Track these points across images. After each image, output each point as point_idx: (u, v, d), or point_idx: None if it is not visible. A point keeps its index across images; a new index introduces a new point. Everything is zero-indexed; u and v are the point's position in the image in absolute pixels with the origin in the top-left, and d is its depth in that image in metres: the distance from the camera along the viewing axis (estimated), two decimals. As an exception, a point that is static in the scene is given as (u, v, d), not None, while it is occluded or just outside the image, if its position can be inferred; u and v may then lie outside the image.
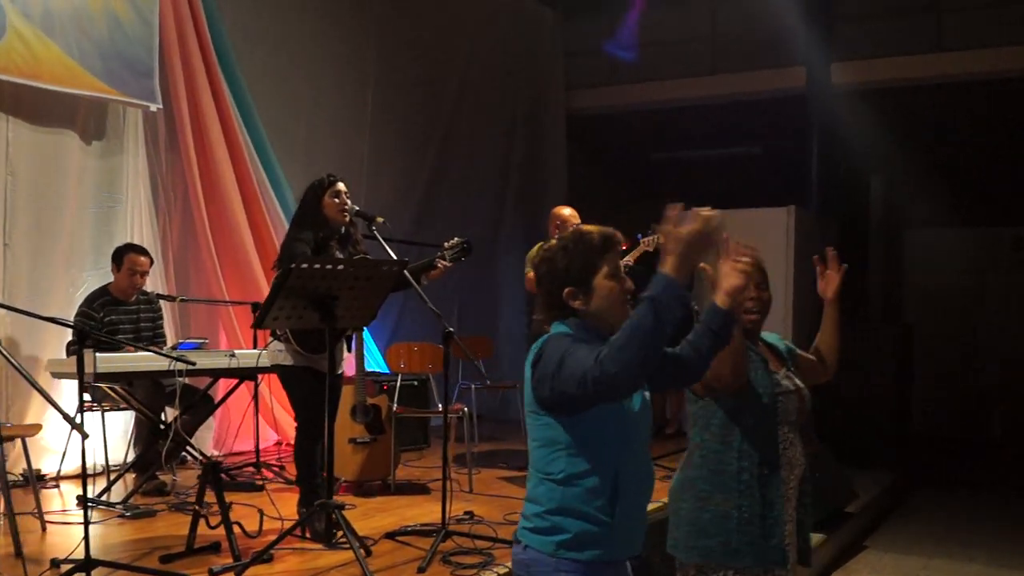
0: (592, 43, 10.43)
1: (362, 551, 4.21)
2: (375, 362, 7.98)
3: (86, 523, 3.70)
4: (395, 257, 4.47)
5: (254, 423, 6.26)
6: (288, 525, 4.38)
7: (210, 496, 5.00)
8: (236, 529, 4.21)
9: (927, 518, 7.85)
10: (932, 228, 11.64)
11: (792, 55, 9.49)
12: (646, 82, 10.44)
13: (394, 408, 5.92)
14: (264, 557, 4.03)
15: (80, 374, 3.78)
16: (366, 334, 8.16)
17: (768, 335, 3.12)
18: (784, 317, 8.52)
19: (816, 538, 5.91)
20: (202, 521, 4.26)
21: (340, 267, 3.90)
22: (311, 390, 4.42)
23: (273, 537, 4.19)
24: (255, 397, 6.19)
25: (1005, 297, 11.44)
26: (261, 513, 4.49)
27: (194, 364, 4.14)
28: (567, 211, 6.60)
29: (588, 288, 2.36)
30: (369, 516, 5.16)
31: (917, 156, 9.97)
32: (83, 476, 3.82)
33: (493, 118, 10.11)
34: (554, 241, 2.47)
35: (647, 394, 2.45)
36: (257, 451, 6.35)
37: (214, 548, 4.24)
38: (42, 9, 5.66)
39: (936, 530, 7.39)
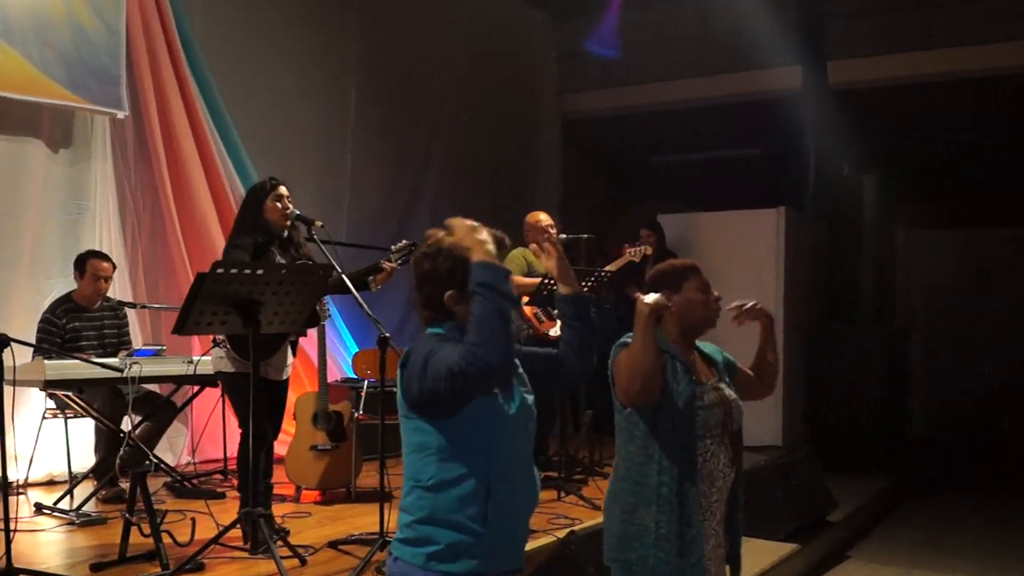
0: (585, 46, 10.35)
1: (295, 560, 4.17)
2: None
3: (7, 531, 3.69)
4: (334, 262, 4.43)
5: (222, 429, 6.23)
6: (230, 533, 4.31)
7: (176, 504, 5.10)
8: (168, 539, 4.17)
9: (920, 526, 7.64)
10: (930, 230, 11.42)
11: (786, 55, 9.33)
12: (640, 84, 10.32)
13: (356, 415, 5.85)
14: (190, 566, 3.98)
15: None
16: (349, 339, 8.14)
17: (706, 346, 3.02)
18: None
19: (789, 548, 5.75)
20: (147, 529, 4.21)
21: (260, 271, 3.84)
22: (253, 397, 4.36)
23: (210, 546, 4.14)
24: (223, 403, 6.15)
25: (1008, 298, 11.16)
26: (193, 522, 4.43)
27: (121, 371, 4.09)
28: (543, 216, 6.50)
29: (468, 292, 2.28)
30: (322, 524, 5.10)
31: (911, 155, 9.77)
32: (4, 481, 3.80)
33: (484, 123, 10.01)
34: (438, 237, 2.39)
35: (529, 397, 2.37)
36: (225, 458, 6.31)
37: (149, 556, 4.19)
38: (1, 18, 5.67)
39: (926, 538, 7.19)
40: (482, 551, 2.22)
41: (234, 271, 3.76)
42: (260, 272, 3.84)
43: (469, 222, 2.29)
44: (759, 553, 5.47)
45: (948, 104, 9.48)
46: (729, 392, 2.89)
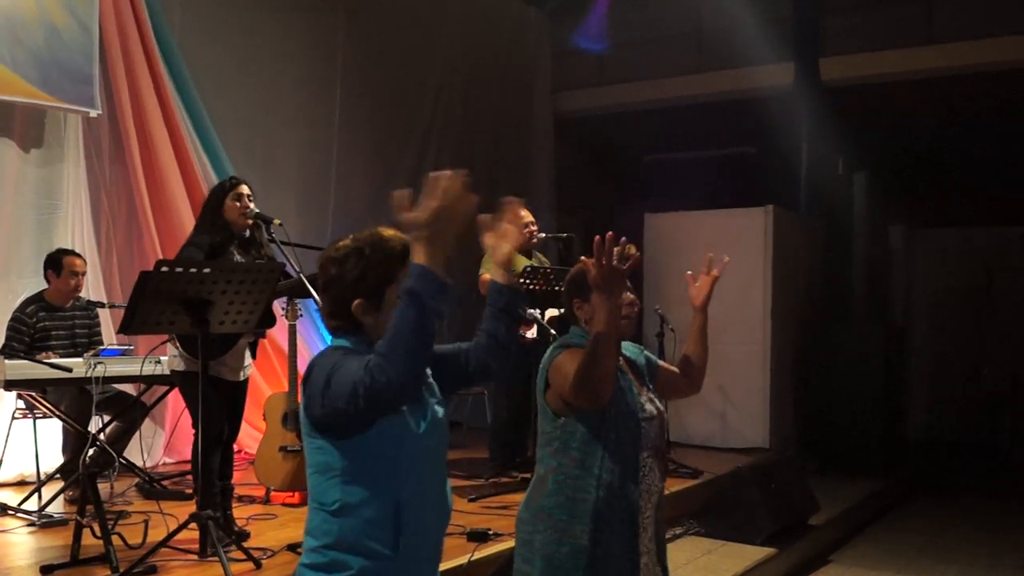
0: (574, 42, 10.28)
1: (250, 564, 4.12)
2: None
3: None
4: (293, 262, 4.38)
5: (193, 430, 6.15)
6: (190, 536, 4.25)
7: (143, 505, 5.04)
8: (120, 541, 4.13)
9: (911, 530, 7.50)
10: (932, 228, 11.27)
11: (778, 52, 9.23)
12: (633, 82, 10.25)
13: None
14: (140, 569, 3.92)
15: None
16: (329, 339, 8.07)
17: (627, 346, 2.89)
18: (763, 321, 8.27)
19: (765, 552, 5.65)
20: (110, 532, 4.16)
21: (207, 270, 3.78)
22: (203, 396, 4.30)
23: (162, 549, 4.08)
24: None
25: (1013, 298, 11.01)
26: (146, 524, 4.37)
27: (70, 371, 4.04)
28: (523, 212, 6.42)
29: (380, 302, 2.14)
30: (285, 526, 5.03)
31: (909, 152, 9.63)
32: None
33: (477, 121, 9.91)
34: (347, 241, 2.21)
35: (440, 411, 2.22)
36: (198, 459, 6.24)
37: (102, 559, 4.14)
38: (-30, 18, 5.65)
39: (916, 543, 7.05)
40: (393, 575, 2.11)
41: (179, 270, 3.70)
42: (207, 271, 3.78)
43: (441, 204, 1.98)
44: (734, 557, 5.37)
45: (946, 100, 9.34)
46: (659, 402, 2.80)
